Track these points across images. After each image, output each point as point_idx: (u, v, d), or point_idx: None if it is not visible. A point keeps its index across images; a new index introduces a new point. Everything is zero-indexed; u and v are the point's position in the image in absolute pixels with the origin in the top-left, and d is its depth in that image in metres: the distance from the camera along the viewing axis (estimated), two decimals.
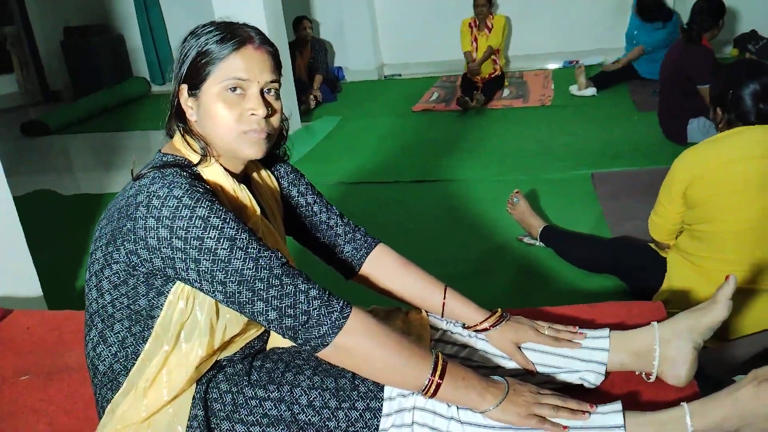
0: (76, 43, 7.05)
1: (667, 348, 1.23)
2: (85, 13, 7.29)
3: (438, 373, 1.05)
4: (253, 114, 1.09)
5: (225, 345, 1.15)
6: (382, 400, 1.10)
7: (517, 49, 6.49)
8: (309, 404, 1.10)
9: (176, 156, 1.12)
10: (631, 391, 1.26)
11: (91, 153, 5.33)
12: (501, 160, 3.90)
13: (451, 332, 1.31)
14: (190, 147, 1.12)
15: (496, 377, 1.11)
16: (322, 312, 1.02)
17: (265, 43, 1.12)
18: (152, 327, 1.09)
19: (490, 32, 5.51)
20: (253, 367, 1.15)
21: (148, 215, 1.01)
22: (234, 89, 1.08)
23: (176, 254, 1.01)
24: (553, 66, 6.37)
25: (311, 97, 5.59)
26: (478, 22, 5.53)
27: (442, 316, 1.31)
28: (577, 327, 1.28)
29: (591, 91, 5.14)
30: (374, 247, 1.36)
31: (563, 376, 1.25)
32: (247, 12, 4.22)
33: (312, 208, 1.33)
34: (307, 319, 1.02)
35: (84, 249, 3.14)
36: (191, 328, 1.09)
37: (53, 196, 4.05)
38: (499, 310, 1.29)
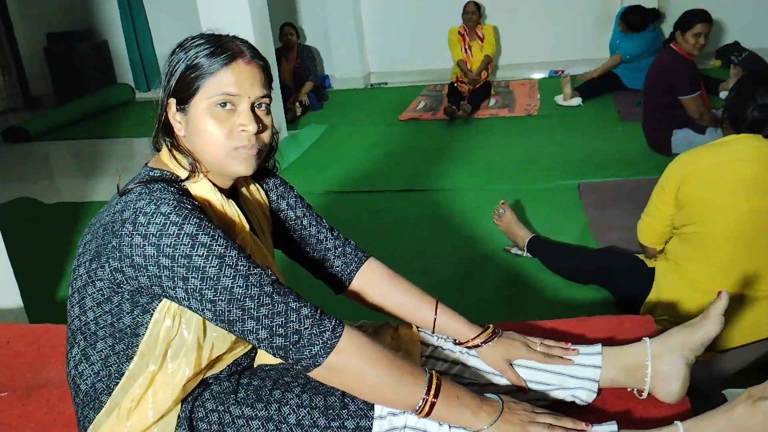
0: (60, 49, 6.96)
1: (659, 364, 1.22)
2: (69, 18, 7.21)
3: (432, 392, 1.03)
4: (243, 130, 1.06)
5: (212, 363, 1.13)
6: (373, 419, 1.08)
7: (503, 58, 6.52)
8: (298, 423, 1.07)
9: (163, 171, 1.10)
10: (622, 409, 1.25)
11: (74, 160, 5.26)
12: (487, 170, 3.90)
13: (442, 348, 1.29)
14: (178, 162, 1.10)
15: (489, 395, 1.10)
16: (314, 331, 1.00)
17: (256, 57, 1.10)
18: (137, 345, 1.06)
19: (482, 41, 5.53)
20: (241, 384, 1.13)
21: (135, 232, 0.98)
22: (224, 105, 1.06)
23: (163, 272, 0.98)
24: (539, 76, 6.40)
25: (297, 104, 5.57)
26: (468, 30, 5.55)
27: (433, 332, 1.29)
28: (569, 343, 1.27)
29: (576, 101, 5.17)
30: (365, 261, 1.33)
31: (555, 393, 1.23)
32: (233, 18, 4.19)
33: (301, 221, 1.31)
34: (298, 339, 1.00)
35: (66, 259, 3.09)
36: (178, 346, 1.06)
37: (34, 204, 3.99)
38: (491, 326, 1.28)
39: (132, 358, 1.07)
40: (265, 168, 1.28)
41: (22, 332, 1.70)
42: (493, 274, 2.63)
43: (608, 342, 1.40)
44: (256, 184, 1.28)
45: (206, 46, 1.06)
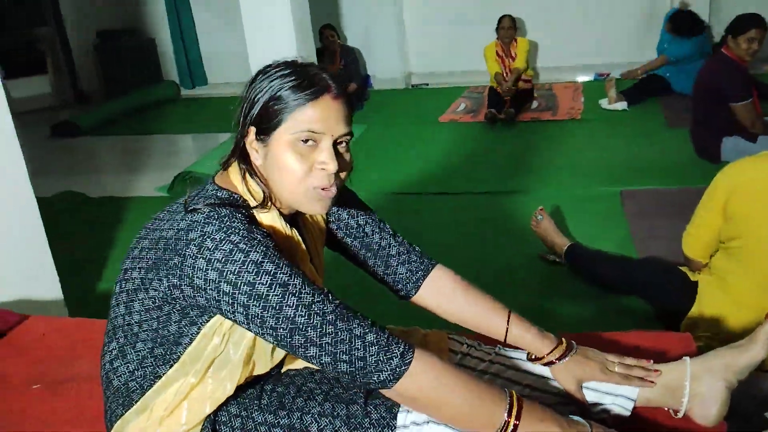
0: (108, 46, 7.14)
1: (698, 385, 1.17)
2: (118, 16, 7.39)
3: (514, 414, 0.99)
4: (323, 168, 1.04)
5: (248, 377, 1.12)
6: (395, 428, 1.06)
7: (546, 61, 6.40)
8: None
9: (232, 193, 1.08)
10: (657, 429, 1.20)
11: (119, 155, 5.38)
12: (526, 174, 3.83)
13: (471, 356, 1.26)
14: (249, 189, 1.08)
15: (576, 417, 1.06)
16: (381, 359, 0.97)
17: (342, 92, 1.06)
18: (177, 353, 1.05)
19: (513, 60, 5.38)
20: (264, 390, 1.12)
21: (199, 255, 0.97)
22: (306, 140, 1.03)
23: (223, 297, 0.97)
24: (583, 78, 6.27)
25: None
26: (504, 50, 5.39)
27: (505, 341, 1.25)
28: (651, 361, 1.22)
29: (622, 105, 5.05)
30: (431, 269, 1.30)
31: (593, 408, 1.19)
32: (275, 19, 4.22)
33: (363, 229, 1.28)
34: (363, 365, 0.97)
35: (108, 253, 3.16)
36: (221, 364, 1.06)
37: (79, 198, 4.09)
38: (564, 340, 1.23)
39: (169, 362, 1.06)
40: None
41: (58, 326, 1.74)
42: (528, 282, 2.58)
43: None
44: None
45: (292, 78, 1.03)
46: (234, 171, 1.10)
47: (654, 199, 3.22)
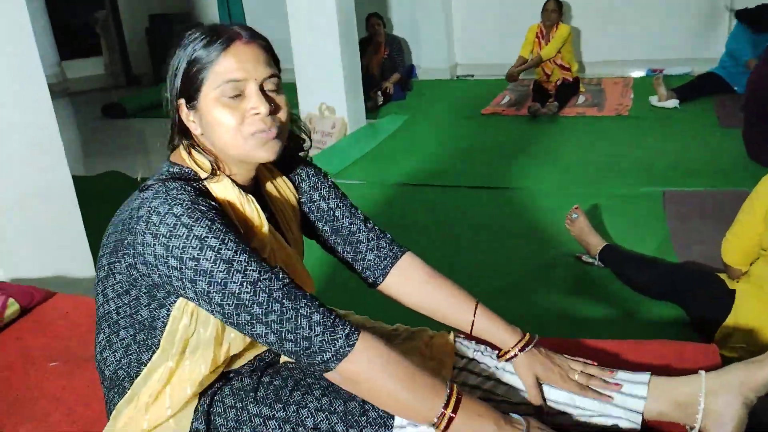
0: (160, 30, 7.29)
1: (714, 401, 1.10)
2: (170, 1, 7.52)
3: (451, 406, 0.98)
4: (255, 113, 1.03)
5: (231, 359, 1.12)
6: (392, 428, 1.04)
7: (595, 54, 6.23)
8: (315, 427, 1.05)
9: (183, 167, 1.08)
10: None
11: (163, 137, 5.47)
12: (567, 171, 3.74)
13: (477, 361, 1.22)
14: (197, 164, 1.08)
15: (514, 415, 1.03)
16: (325, 339, 0.97)
17: (254, 37, 1.06)
18: (156, 337, 1.06)
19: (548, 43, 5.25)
20: (261, 383, 1.11)
21: (147, 231, 0.98)
22: (232, 91, 1.03)
23: (172, 273, 0.97)
24: (635, 74, 6.07)
25: (378, 93, 5.56)
26: (544, 32, 5.27)
27: (470, 333, 1.23)
28: (616, 372, 1.17)
29: (673, 102, 4.87)
30: (400, 256, 1.28)
31: (596, 420, 1.15)
32: (319, 5, 4.21)
33: (334, 212, 1.26)
34: (308, 345, 0.97)
35: None
36: (195, 344, 1.06)
37: (122, 178, 4.18)
38: (528, 334, 1.20)
39: (152, 348, 1.07)
40: (296, 158, 1.25)
41: (83, 305, 1.77)
42: (560, 283, 2.51)
43: (664, 370, 1.30)
44: (284, 177, 1.24)
45: (202, 37, 1.04)
46: (182, 149, 1.09)
47: (698, 202, 3.10)
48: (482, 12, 6.47)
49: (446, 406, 0.98)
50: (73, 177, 2.39)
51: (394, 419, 1.04)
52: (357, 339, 0.98)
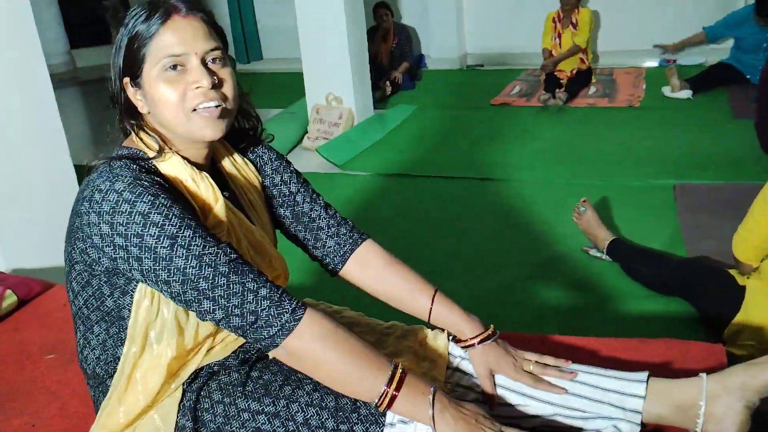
0: None
1: (715, 405, 1.07)
2: None
3: (394, 384, 0.97)
4: (197, 87, 1.01)
5: (203, 346, 1.08)
6: (383, 425, 1.01)
7: (607, 44, 6.12)
8: (305, 422, 1.02)
9: (131, 149, 1.06)
10: None
11: None
12: (576, 163, 3.69)
13: (462, 370, 1.19)
14: (145, 144, 1.05)
15: (464, 402, 1.02)
16: (271, 313, 0.96)
17: (193, 9, 1.03)
18: (125, 328, 1.04)
19: (575, 28, 5.18)
20: (250, 377, 1.09)
21: (91, 210, 0.96)
22: (174, 67, 1.00)
23: (119, 252, 0.96)
24: (648, 64, 5.98)
25: (387, 83, 5.51)
26: (562, 16, 5.21)
27: (428, 321, 1.21)
28: (570, 362, 1.15)
29: (686, 93, 4.78)
30: (360, 243, 1.25)
31: (594, 423, 1.11)
32: None
33: (295, 197, 1.24)
34: (255, 320, 0.96)
35: None
36: (160, 327, 1.04)
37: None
38: (491, 327, 1.18)
39: (123, 341, 1.05)
40: (258, 141, 1.23)
41: None
42: (566, 276, 2.48)
43: (668, 369, 1.26)
44: (244, 158, 1.21)
45: (141, 13, 1.01)
46: (133, 134, 1.07)
47: (710, 195, 3.04)
48: (492, 1, 6.38)
49: (389, 384, 0.97)
50: (80, 166, 2.37)
51: (384, 416, 1.01)
52: (303, 314, 0.97)
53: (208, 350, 1.09)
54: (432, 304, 1.19)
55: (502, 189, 3.41)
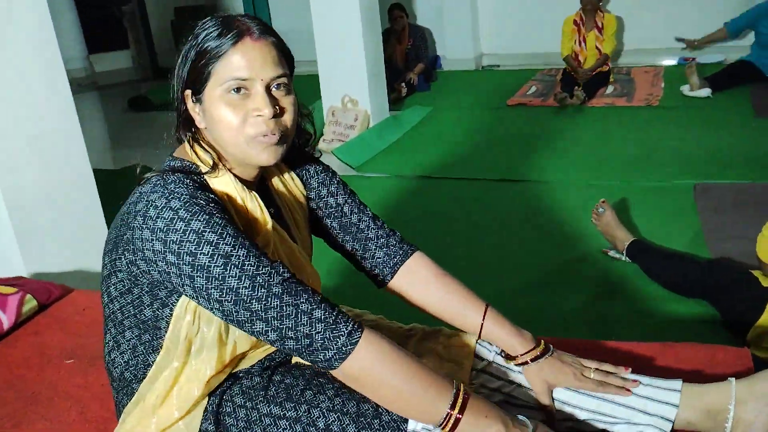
0: (185, 23, 7.26)
1: (743, 411, 1.05)
2: None
3: (458, 407, 0.95)
4: (258, 115, 1.00)
5: (237, 359, 1.09)
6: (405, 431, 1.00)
7: (626, 42, 6.07)
8: (326, 427, 1.01)
9: (184, 161, 1.05)
10: None
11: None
12: (595, 164, 3.65)
13: (498, 364, 1.18)
14: (198, 157, 1.05)
15: (522, 417, 1.00)
16: (327, 336, 0.94)
17: (265, 33, 1.02)
18: (161, 337, 1.04)
19: (600, 32, 5.09)
20: (272, 381, 1.08)
21: (144, 226, 0.95)
22: (237, 90, 1.00)
23: (171, 269, 0.95)
24: (666, 62, 5.91)
25: (402, 84, 5.50)
26: (585, 19, 5.15)
27: (479, 338, 1.19)
28: (629, 369, 1.13)
29: (705, 92, 4.72)
30: (410, 255, 1.23)
31: (619, 428, 1.09)
32: None
33: (342, 209, 1.23)
34: (309, 343, 0.94)
35: None
36: (200, 344, 1.03)
37: (146, 172, 4.18)
38: (543, 342, 1.16)
39: (157, 349, 1.05)
40: (304, 154, 1.22)
41: (100, 300, 1.76)
42: (586, 279, 2.45)
43: (694, 375, 1.24)
44: (292, 173, 1.21)
45: (213, 29, 1.00)
46: (186, 142, 1.07)
47: (731, 195, 2.99)
48: (507, 1, 6.35)
49: (453, 407, 0.95)
50: (98, 170, 2.39)
51: (407, 423, 1.00)
52: (360, 337, 0.95)
53: (240, 359, 1.09)
54: (483, 320, 1.17)
55: (520, 190, 3.38)
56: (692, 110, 4.50)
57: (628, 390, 1.09)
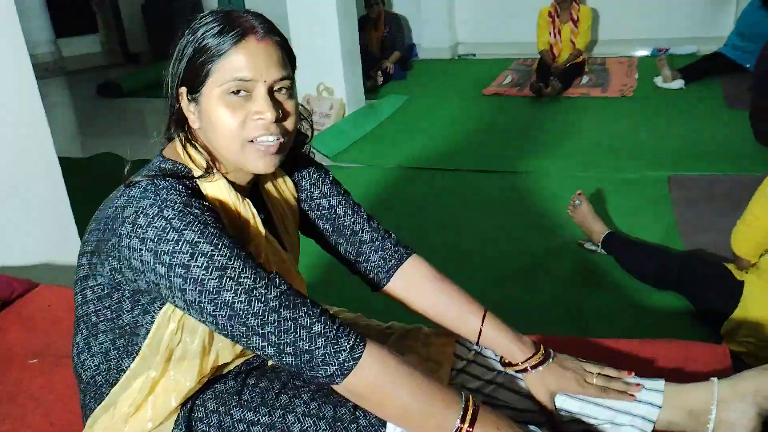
0: (156, 7, 7.15)
1: (726, 410, 1.04)
2: None
3: (468, 420, 0.91)
4: (260, 118, 0.95)
5: (217, 369, 1.05)
6: None
7: (600, 33, 6.09)
8: None
9: (176, 163, 0.99)
10: None
11: (159, 118, 5.38)
12: (571, 154, 3.65)
13: (478, 364, 1.16)
14: (192, 159, 0.99)
15: (533, 428, 0.97)
16: (328, 351, 0.89)
17: (270, 32, 0.97)
18: (137, 344, 0.99)
19: (575, 25, 5.11)
20: (246, 385, 1.04)
21: (133, 234, 0.89)
22: (238, 92, 0.94)
23: (160, 280, 0.90)
24: (640, 53, 5.95)
25: (379, 72, 5.45)
26: (559, 11, 5.15)
27: (477, 343, 1.16)
28: (633, 373, 1.11)
29: (678, 83, 4.76)
30: (406, 258, 1.20)
31: (603, 428, 1.08)
32: None
33: (336, 210, 1.18)
34: (309, 359, 0.89)
35: None
36: (181, 354, 0.99)
37: (117, 160, 4.09)
38: (543, 348, 1.13)
39: (132, 355, 1.00)
40: (299, 155, 1.17)
41: (66, 296, 1.70)
42: (562, 270, 2.45)
43: (673, 373, 1.24)
44: (285, 176, 1.16)
45: (214, 24, 0.94)
46: (178, 141, 1.01)
47: (704, 187, 3.02)
48: None
49: (462, 420, 0.91)
50: (66, 159, 2.31)
51: (386, 428, 0.97)
52: (363, 351, 0.91)
53: (219, 368, 1.06)
54: (482, 326, 1.13)
55: (496, 181, 3.37)
56: (666, 101, 4.53)
57: (632, 395, 1.07)
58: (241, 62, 0.93)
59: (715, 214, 2.68)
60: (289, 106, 0.99)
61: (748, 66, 4.72)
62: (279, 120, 0.97)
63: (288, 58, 0.99)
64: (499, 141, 3.97)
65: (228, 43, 0.93)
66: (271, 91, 0.96)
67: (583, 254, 2.53)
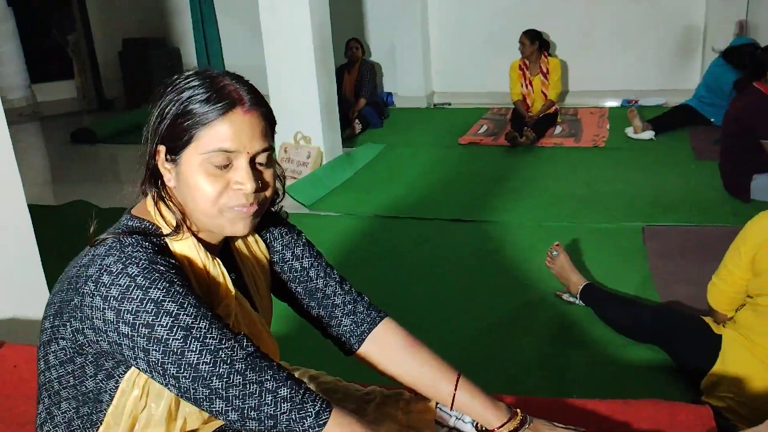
0: (134, 55, 7.16)
1: None
2: (145, 26, 7.42)
3: None
4: (240, 188, 0.95)
5: None
6: None
7: (572, 84, 6.25)
8: None
9: (143, 221, 0.98)
10: None
11: (134, 165, 5.33)
12: (546, 204, 3.69)
13: (459, 430, 1.13)
14: (162, 216, 0.98)
15: None
16: (293, 417, 0.87)
17: (256, 104, 0.97)
18: (102, 411, 0.96)
19: (546, 77, 5.26)
20: None
21: (96, 293, 0.87)
22: (220, 162, 0.94)
23: (123, 341, 0.87)
24: (610, 104, 6.11)
25: (357, 120, 5.50)
26: (529, 64, 5.30)
27: (451, 408, 1.13)
28: None
29: (648, 134, 4.87)
30: (378, 322, 1.18)
31: None
32: (295, 32, 4.15)
33: (308, 273, 1.17)
34: (274, 424, 0.87)
35: None
36: (146, 421, 0.95)
37: (89, 208, 4.02)
38: (518, 412, 1.11)
39: (96, 424, 0.96)
40: (271, 214, 1.16)
41: (33, 357, 1.63)
42: (541, 322, 2.44)
43: None
44: (256, 236, 1.15)
45: (201, 90, 0.94)
46: (150, 201, 1.00)
47: (678, 238, 3.06)
48: (459, 40, 6.47)
49: None
50: (37, 206, 2.25)
51: None
52: (328, 417, 0.89)
53: None
54: (456, 390, 1.11)
55: (473, 230, 3.38)
56: (637, 152, 4.63)
57: None
58: (226, 133, 0.93)
59: (689, 265, 2.71)
60: (267, 175, 0.99)
61: (713, 120, 4.87)
62: (258, 190, 0.97)
63: (270, 128, 1.00)
64: (476, 190, 4.00)
65: (215, 113, 0.93)
66: (252, 162, 0.96)
67: (562, 306, 2.53)
